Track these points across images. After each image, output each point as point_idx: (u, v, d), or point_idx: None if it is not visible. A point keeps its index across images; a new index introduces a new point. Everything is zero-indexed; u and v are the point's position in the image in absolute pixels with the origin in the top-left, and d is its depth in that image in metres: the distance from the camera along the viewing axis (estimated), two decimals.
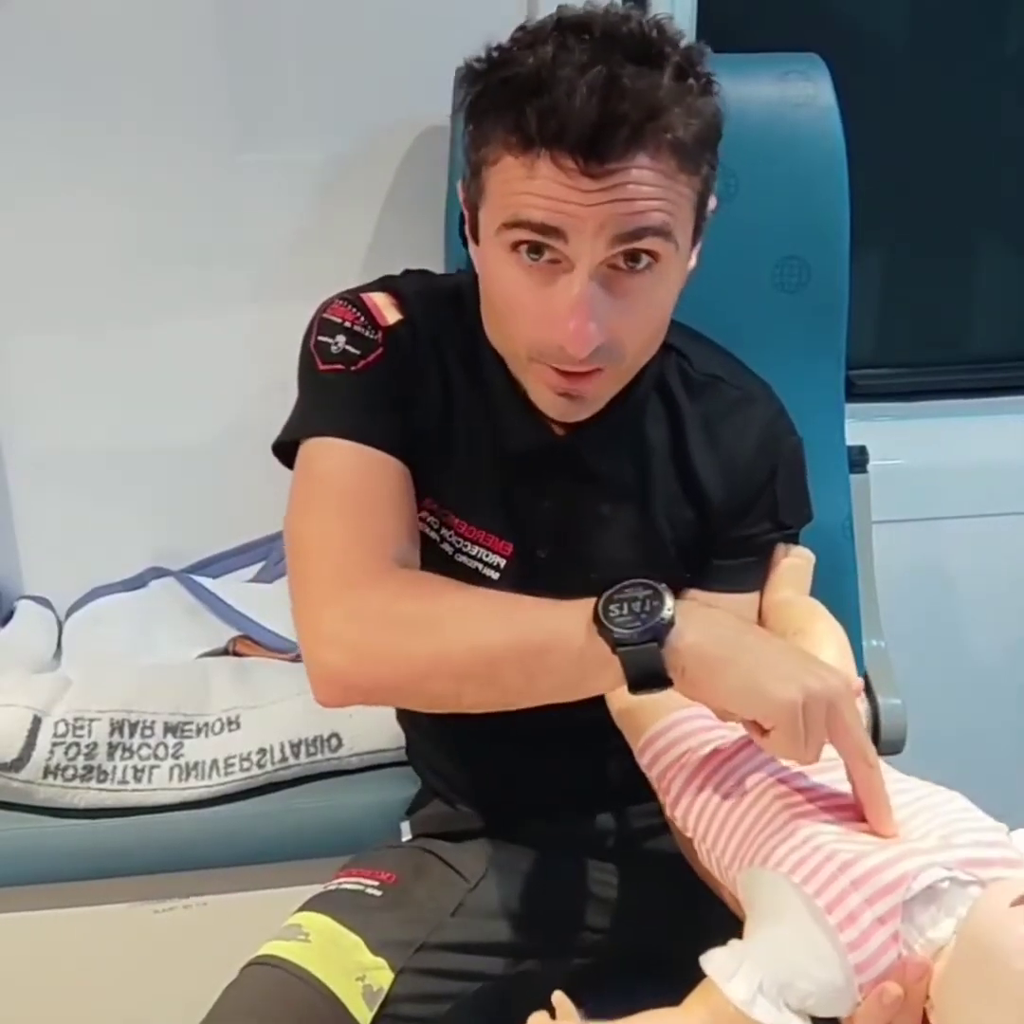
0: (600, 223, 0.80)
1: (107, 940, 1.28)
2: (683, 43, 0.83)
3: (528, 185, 0.80)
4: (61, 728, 1.22)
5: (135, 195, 1.44)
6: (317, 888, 1.03)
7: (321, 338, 0.96)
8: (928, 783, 0.81)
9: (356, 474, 0.91)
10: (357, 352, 0.94)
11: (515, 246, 0.83)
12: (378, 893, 1.01)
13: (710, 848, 0.81)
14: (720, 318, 1.07)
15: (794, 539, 1.04)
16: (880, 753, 1.36)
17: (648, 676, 0.75)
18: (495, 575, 0.99)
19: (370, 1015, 0.91)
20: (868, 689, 1.34)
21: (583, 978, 1.04)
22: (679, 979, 0.98)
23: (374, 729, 1.28)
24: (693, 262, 0.91)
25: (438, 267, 1.27)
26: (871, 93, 1.60)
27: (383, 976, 0.94)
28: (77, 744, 1.22)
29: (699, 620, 0.76)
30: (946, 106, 1.69)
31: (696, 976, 0.76)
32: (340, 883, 1.03)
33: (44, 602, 1.52)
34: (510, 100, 0.80)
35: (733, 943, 0.75)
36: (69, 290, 1.47)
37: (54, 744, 1.21)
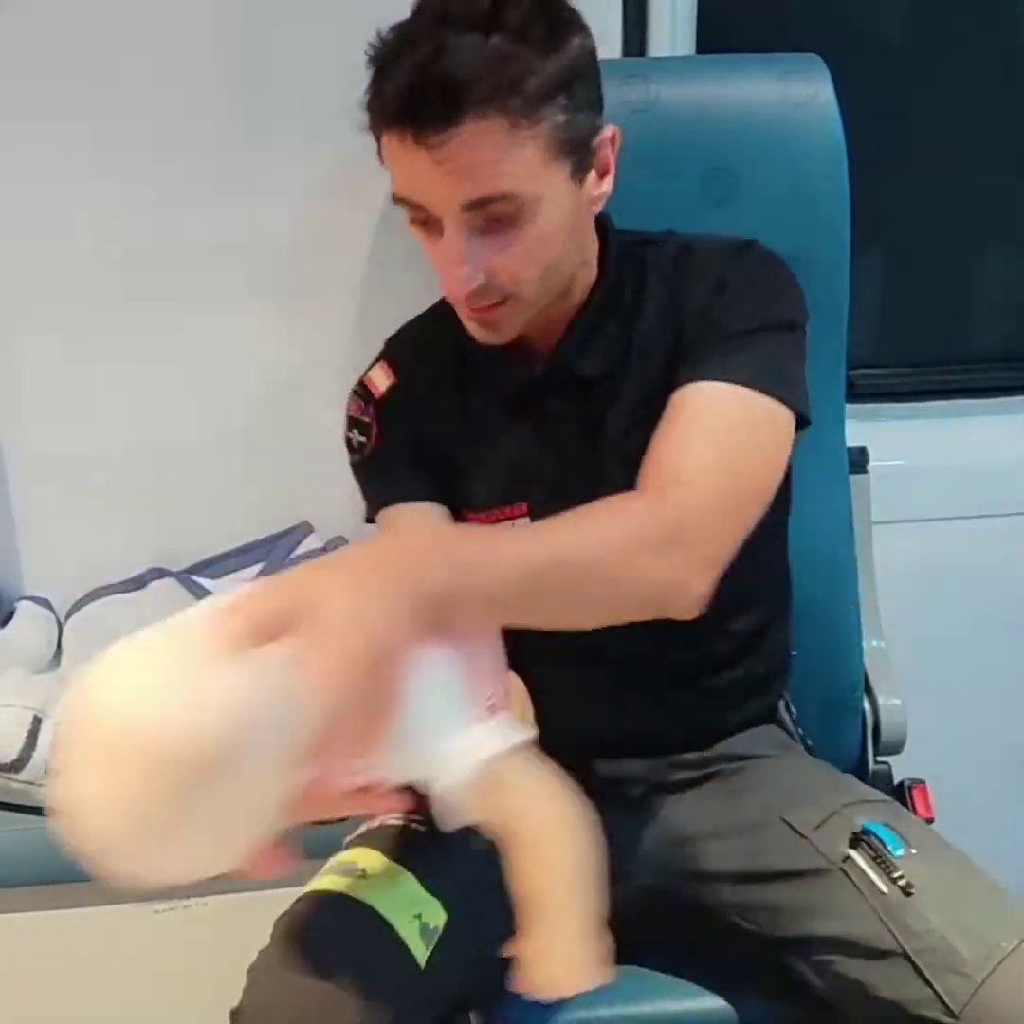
0: (447, 191, 0.89)
1: (107, 940, 1.28)
2: (525, 3, 0.89)
3: (394, 161, 0.93)
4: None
5: (135, 195, 1.44)
6: None
7: (348, 435, 1.14)
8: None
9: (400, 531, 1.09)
10: (364, 438, 1.12)
11: (410, 214, 0.95)
12: (423, 828, 1.00)
13: None
14: None
15: (758, 333, 0.99)
16: (880, 753, 1.37)
17: None
18: None
19: (426, 953, 0.90)
20: (868, 689, 1.35)
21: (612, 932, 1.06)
22: (712, 935, 1.03)
23: None
24: (604, 188, 0.99)
25: None
26: (871, 93, 1.60)
27: (437, 914, 0.93)
28: None
29: None
30: (946, 106, 1.69)
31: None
32: (383, 819, 1.01)
33: (44, 603, 1.52)
34: (369, 86, 0.93)
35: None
36: (69, 290, 1.47)
37: (54, 744, 1.21)
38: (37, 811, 1.23)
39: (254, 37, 1.42)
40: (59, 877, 1.25)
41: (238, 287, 1.50)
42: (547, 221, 0.93)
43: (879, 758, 1.33)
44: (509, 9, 0.88)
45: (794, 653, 1.22)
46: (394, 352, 1.14)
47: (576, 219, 0.98)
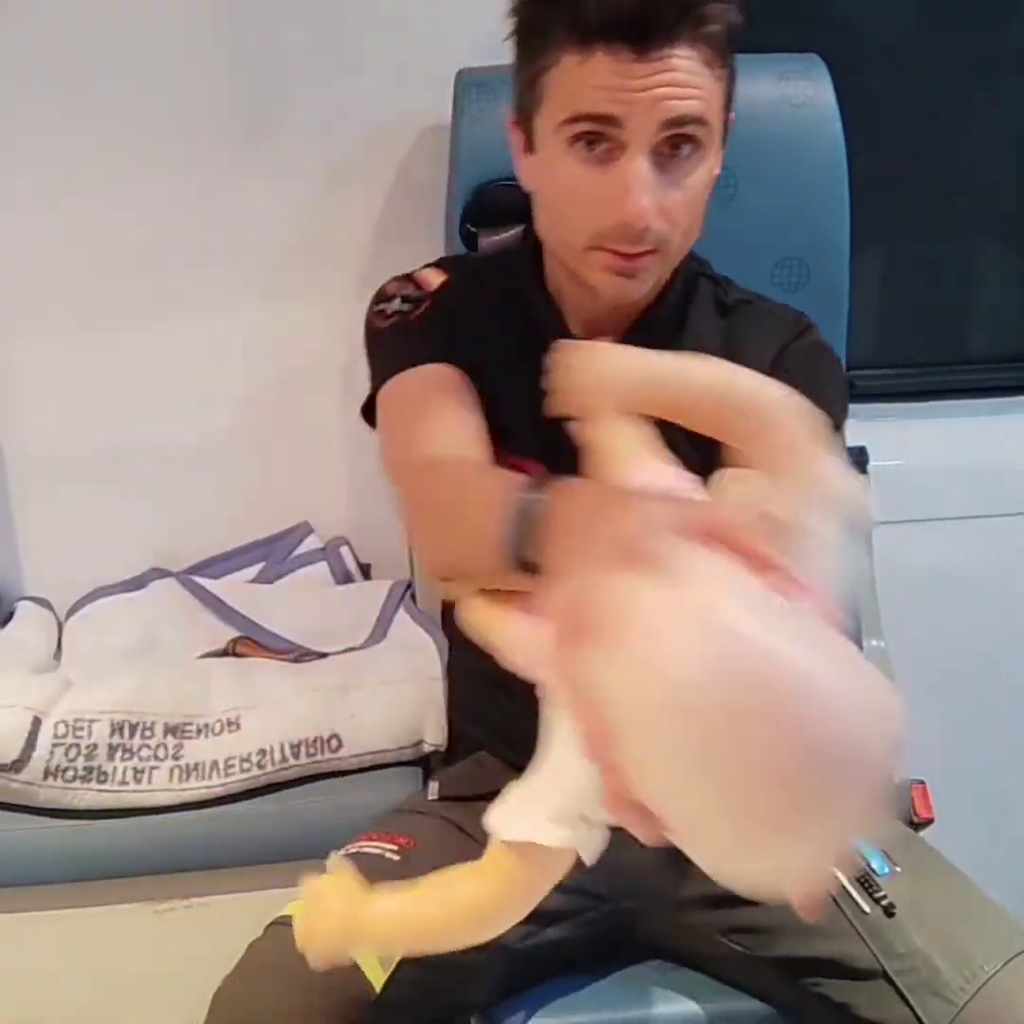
0: (651, 106, 0.89)
1: (107, 940, 1.28)
2: None
3: (586, 79, 0.89)
4: (61, 729, 1.22)
5: (135, 196, 1.44)
6: None
7: (377, 307, 1.08)
8: None
9: (428, 387, 1.02)
10: (409, 307, 1.07)
11: (573, 140, 0.92)
12: (396, 858, 1.02)
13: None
14: None
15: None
16: None
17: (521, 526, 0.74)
18: None
19: (383, 978, 0.93)
20: None
21: (594, 947, 1.08)
22: (697, 951, 0.99)
23: (374, 730, 1.28)
24: (717, 170, 0.99)
25: None
26: (871, 93, 1.60)
27: None
28: (77, 745, 1.22)
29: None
30: (946, 106, 1.69)
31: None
32: (361, 847, 1.04)
33: (44, 603, 1.52)
34: (569, 2, 0.90)
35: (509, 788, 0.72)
36: (70, 290, 1.47)
37: (54, 745, 1.21)
38: (37, 811, 1.23)
39: (255, 38, 1.42)
40: (59, 877, 1.25)
41: (238, 287, 1.50)
42: (707, 171, 0.95)
43: None
44: None
45: None
46: (446, 263, 1.13)
47: (711, 188, 0.98)
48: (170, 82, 1.41)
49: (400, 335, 1.06)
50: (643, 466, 0.78)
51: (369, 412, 1.09)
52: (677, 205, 0.93)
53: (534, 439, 1.04)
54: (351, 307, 1.51)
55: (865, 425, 1.46)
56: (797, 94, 1.28)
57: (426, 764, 1.29)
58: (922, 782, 1.27)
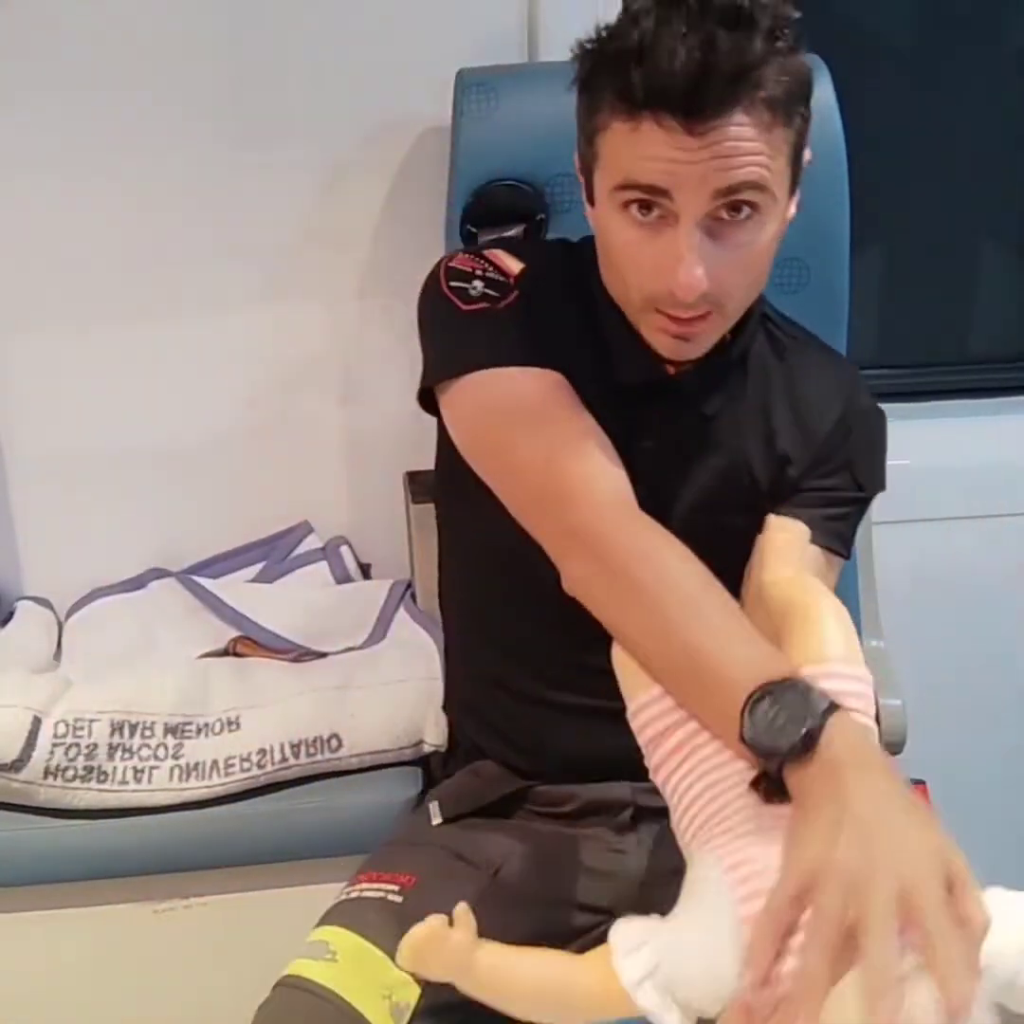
0: (701, 178, 0.87)
1: (107, 940, 1.28)
2: (773, 9, 0.88)
3: (635, 149, 0.88)
4: (61, 729, 1.22)
5: (136, 195, 1.44)
6: (318, 888, 1.03)
7: (455, 283, 1.03)
8: None
9: (548, 396, 0.99)
10: (497, 294, 1.02)
11: (626, 205, 0.91)
12: (399, 900, 1.00)
13: (679, 820, 0.81)
14: None
15: (865, 505, 1.11)
16: None
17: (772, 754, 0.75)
18: None
19: None
20: None
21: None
22: None
23: (374, 730, 1.28)
24: (792, 211, 0.97)
25: None
26: (871, 93, 1.60)
27: (410, 992, 0.94)
28: (77, 745, 1.22)
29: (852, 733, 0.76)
30: (946, 106, 1.69)
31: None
32: (362, 890, 1.03)
33: (44, 603, 1.52)
34: (618, 69, 0.88)
35: (648, 920, 0.75)
36: (70, 290, 1.47)
37: (54, 745, 1.21)
38: (37, 811, 1.23)
39: (255, 37, 1.42)
40: (59, 877, 1.25)
41: (238, 287, 1.50)
42: (769, 229, 0.93)
43: None
44: (762, 14, 0.87)
45: None
46: (518, 248, 1.07)
47: (780, 238, 0.96)
48: (170, 82, 1.41)
49: (490, 323, 1.01)
50: (829, 669, 0.81)
51: (424, 394, 1.05)
52: (733, 269, 0.92)
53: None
54: (351, 307, 1.52)
55: None
56: None
57: (426, 764, 1.29)
58: (922, 782, 1.27)
